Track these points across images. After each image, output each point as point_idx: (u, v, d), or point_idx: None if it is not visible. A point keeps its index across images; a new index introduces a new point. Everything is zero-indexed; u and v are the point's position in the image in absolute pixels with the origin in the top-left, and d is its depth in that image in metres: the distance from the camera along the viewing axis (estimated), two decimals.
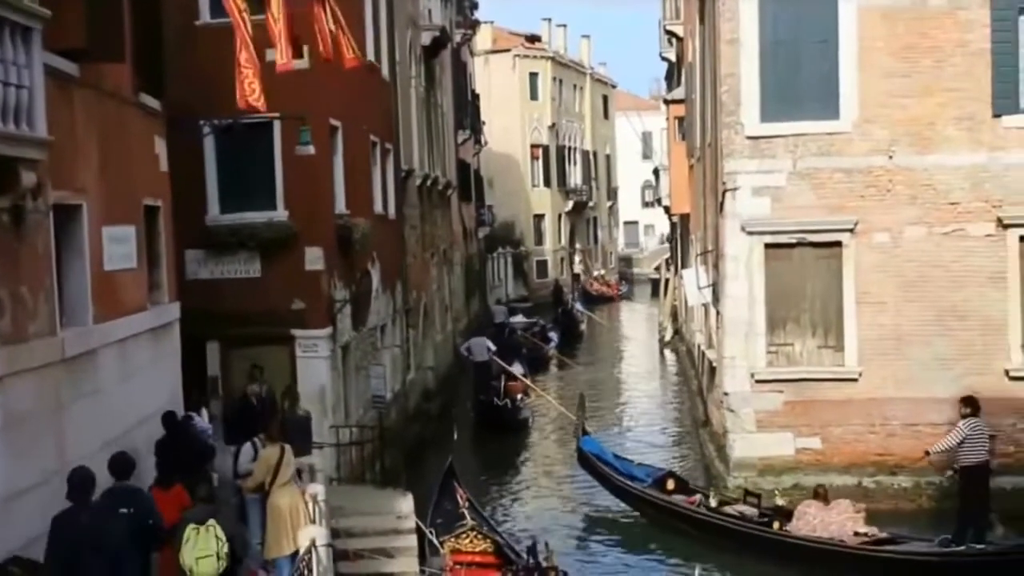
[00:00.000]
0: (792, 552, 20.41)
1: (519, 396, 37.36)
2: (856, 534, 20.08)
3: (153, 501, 13.74)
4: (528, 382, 38.46)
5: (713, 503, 22.74)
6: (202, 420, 19.84)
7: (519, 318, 54.85)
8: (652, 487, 24.29)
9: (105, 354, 16.06)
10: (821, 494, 21.07)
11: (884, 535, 20.14)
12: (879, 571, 19.59)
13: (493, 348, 39.50)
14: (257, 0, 19.05)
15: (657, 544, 22.99)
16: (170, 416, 17.81)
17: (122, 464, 13.32)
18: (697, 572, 14.76)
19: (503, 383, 37.68)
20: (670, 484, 24.07)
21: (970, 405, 20.33)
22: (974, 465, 19.90)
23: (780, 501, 21.74)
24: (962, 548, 19.40)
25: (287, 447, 16.39)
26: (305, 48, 22.75)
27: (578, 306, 66.48)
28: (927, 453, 21.09)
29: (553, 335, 55.00)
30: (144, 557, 12.98)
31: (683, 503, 23.23)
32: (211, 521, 13.35)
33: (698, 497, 23.33)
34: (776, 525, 21.02)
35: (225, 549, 13.24)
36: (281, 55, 17.58)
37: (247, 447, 17.31)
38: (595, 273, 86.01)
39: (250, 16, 17.90)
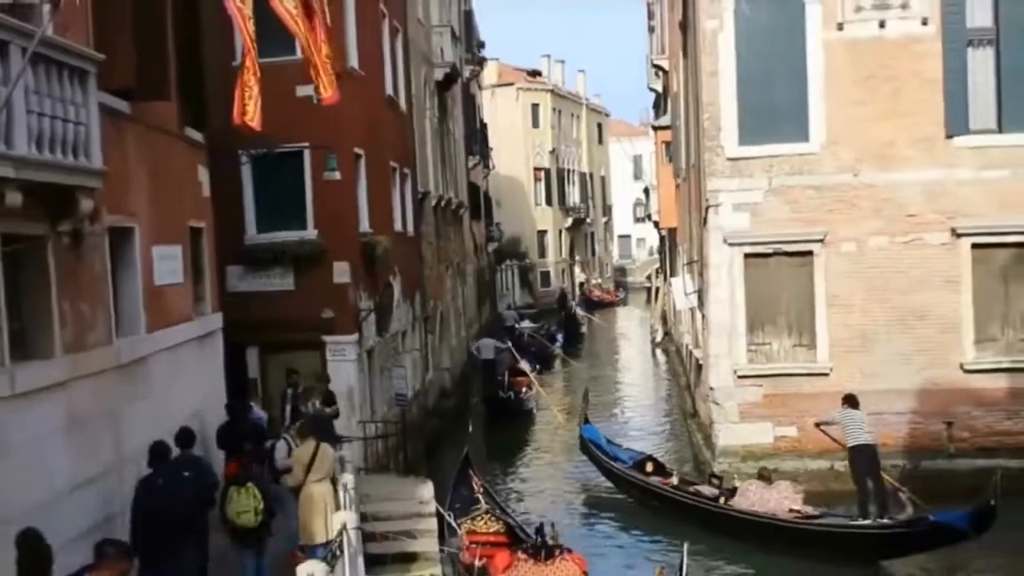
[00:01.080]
0: (734, 525, 20.60)
1: (523, 389, 37.86)
2: (791, 511, 20.30)
3: (210, 466, 15.07)
4: (533, 378, 38.71)
5: (675, 481, 23.03)
6: (258, 409, 20.14)
7: (526, 323, 54.78)
8: (632, 468, 24.67)
9: (156, 360, 16.11)
10: (765, 475, 21.36)
11: (814, 512, 20.32)
12: (802, 542, 19.64)
13: (503, 346, 40.31)
14: (284, 43, 19.02)
15: (647, 522, 22.94)
16: (233, 404, 18.79)
17: (186, 436, 14.40)
18: (685, 549, 14.66)
19: (507, 378, 38.30)
20: (649, 466, 24.45)
21: (847, 401, 20.67)
22: (854, 447, 20.14)
23: (737, 483, 21.89)
24: (868, 522, 19.51)
25: (323, 444, 16.27)
26: (332, 83, 22.96)
27: (579, 310, 66.70)
28: (817, 425, 21.39)
29: (558, 336, 55.56)
30: (203, 512, 13.65)
31: (653, 482, 23.49)
32: (250, 483, 14.45)
33: (673, 478, 23.54)
34: (722, 501, 21.32)
35: (261, 506, 14.35)
36: (324, 88, 16.92)
37: (280, 443, 17.18)
38: (594, 281, 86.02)
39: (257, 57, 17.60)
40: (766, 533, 20.10)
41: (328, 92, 16.48)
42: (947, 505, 19.51)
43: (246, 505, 14.43)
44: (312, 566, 12.64)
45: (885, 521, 19.39)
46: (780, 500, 20.64)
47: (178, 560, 12.91)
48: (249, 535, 14.56)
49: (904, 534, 18.98)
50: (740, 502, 21.03)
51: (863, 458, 20.09)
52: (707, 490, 22.20)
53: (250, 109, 14.60)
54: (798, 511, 20.32)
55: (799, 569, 19.37)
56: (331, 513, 15.53)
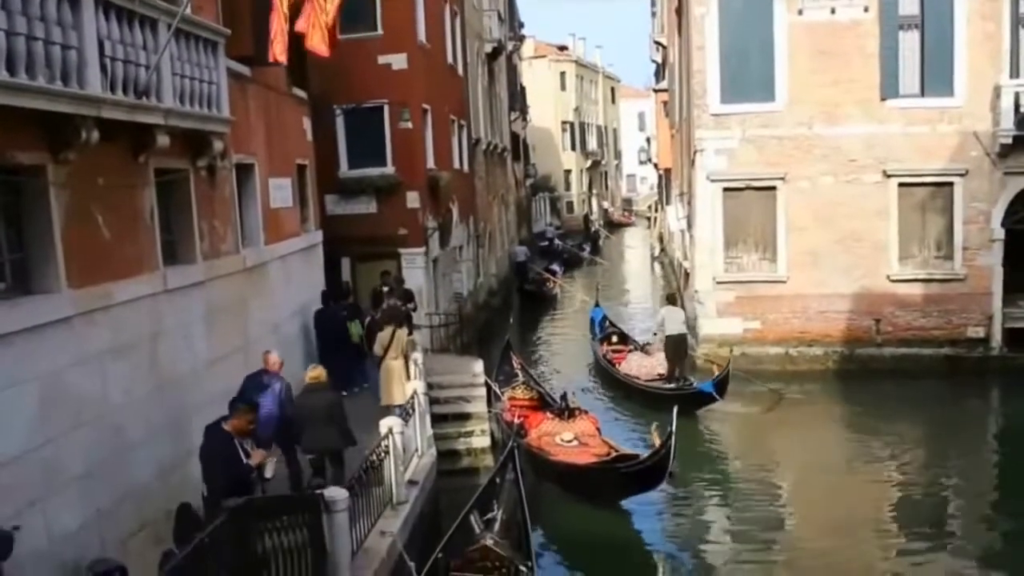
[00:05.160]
0: (621, 384, 21.87)
1: (547, 283, 40.22)
2: (659, 375, 21.25)
3: (358, 310, 18.99)
4: (555, 277, 41.37)
5: (604, 348, 24.43)
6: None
7: (556, 241, 56.30)
8: (596, 340, 25.61)
9: (272, 266, 16.24)
10: (647, 349, 22.84)
11: (675, 377, 20.96)
12: (646, 397, 20.57)
13: (528, 255, 43.72)
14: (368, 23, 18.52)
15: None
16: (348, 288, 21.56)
17: (347, 291, 19.81)
18: (675, 411, 14.58)
19: (532, 274, 41.10)
20: (613, 339, 25.28)
21: (669, 299, 21.94)
22: (668, 336, 20.94)
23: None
24: (671, 386, 20.53)
25: (398, 330, 16.39)
26: (405, 55, 22.84)
27: (601, 230, 68.31)
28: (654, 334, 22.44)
29: (585, 247, 57.32)
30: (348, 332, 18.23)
31: (598, 349, 24.61)
32: (357, 320, 18.39)
33: (629, 347, 24.47)
34: (615, 367, 22.60)
35: (362, 332, 18.16)
36: (319, 41, 15.03)
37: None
38: (612, 208, 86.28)
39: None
40: (633, 390, 21.09)
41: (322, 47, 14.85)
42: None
43: (355, 330, 18.15)
44: (391, 421, 12.82)
45: (676, 386, 20.37)
46: (652, 367, 21.62)
47: (338, 354, 17.56)
48: (357, 346, 18.22)
49: (686, 394, 19.64)
50: (623, 368, 22.21)
51: (672, 343, 20.92)
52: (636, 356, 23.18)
53: (277, 47, 13.77)
54: (663, 375, 21.14)
55: (647, 414, 19.40)
56: (405, 382, 15.71)
